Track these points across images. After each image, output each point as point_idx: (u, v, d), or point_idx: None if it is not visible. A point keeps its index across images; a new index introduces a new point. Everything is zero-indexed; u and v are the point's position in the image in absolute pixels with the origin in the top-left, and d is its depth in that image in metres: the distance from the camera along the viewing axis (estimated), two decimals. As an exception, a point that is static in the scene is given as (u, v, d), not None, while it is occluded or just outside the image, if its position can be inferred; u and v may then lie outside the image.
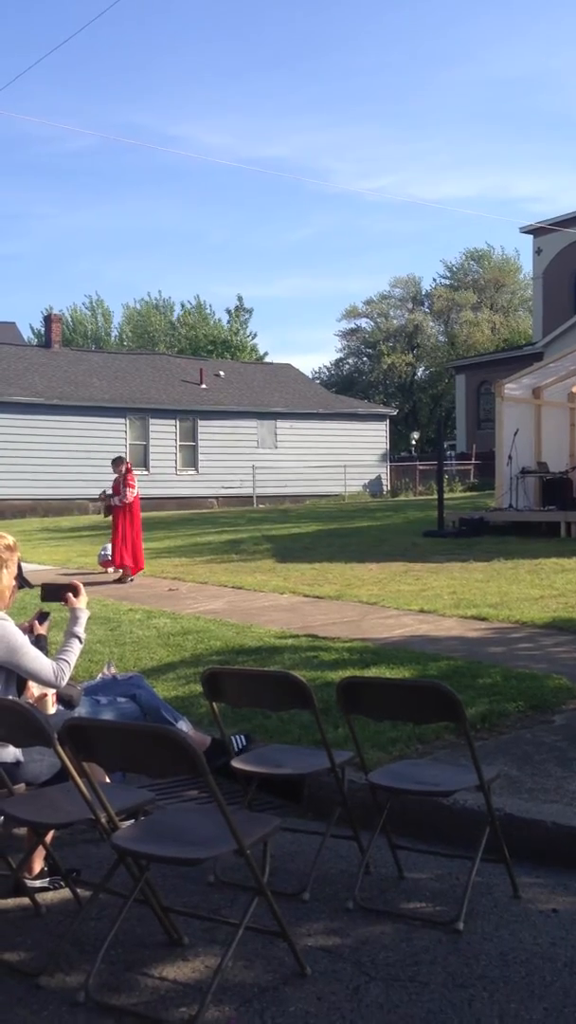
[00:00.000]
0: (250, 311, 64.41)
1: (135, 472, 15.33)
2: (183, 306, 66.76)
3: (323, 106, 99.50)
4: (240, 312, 63.87)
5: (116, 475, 14.42)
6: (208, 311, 65.59)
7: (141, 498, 14.73)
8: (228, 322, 64.02)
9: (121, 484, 14.18)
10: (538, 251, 41.30)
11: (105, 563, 14.48)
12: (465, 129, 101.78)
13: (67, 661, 4.09)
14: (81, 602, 4.36)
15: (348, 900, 3.69)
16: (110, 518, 14.50)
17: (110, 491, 14.45)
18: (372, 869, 4.01)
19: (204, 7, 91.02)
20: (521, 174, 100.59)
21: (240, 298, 70.42)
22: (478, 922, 3.53)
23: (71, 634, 4.23)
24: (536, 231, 40.93)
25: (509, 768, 4.77)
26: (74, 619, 4.29)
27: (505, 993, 3.05)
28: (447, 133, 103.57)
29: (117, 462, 14.76)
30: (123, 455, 16.19)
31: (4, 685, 3.97)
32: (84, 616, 4.34)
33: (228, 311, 64.67)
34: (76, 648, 4.19)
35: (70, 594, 4.35)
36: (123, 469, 14.34)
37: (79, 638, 4.24)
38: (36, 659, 3.99)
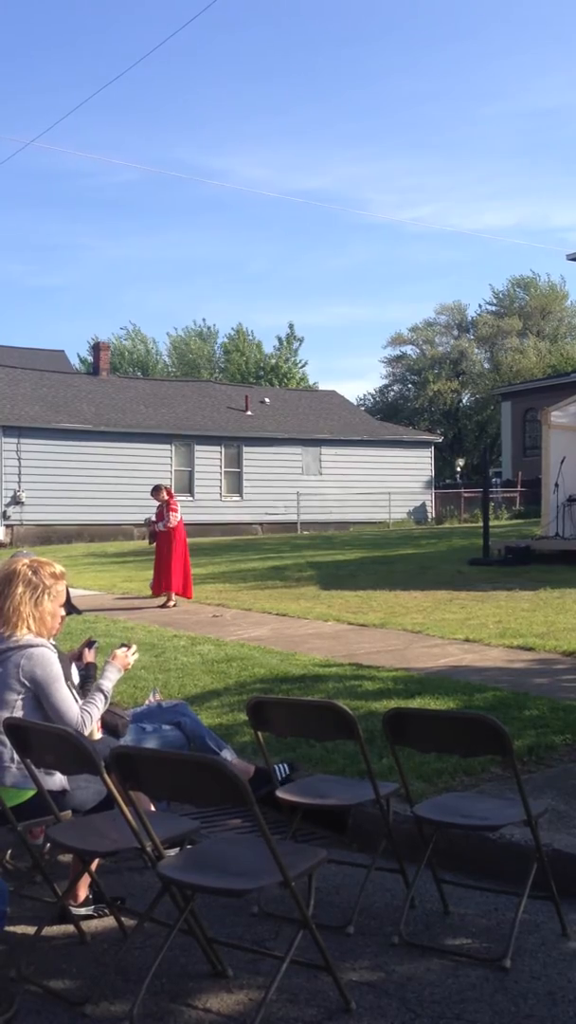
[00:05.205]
0: (301, 339, 64.51)
1: (179, 498, 15.27)
2: (228, 336, 67.15)
3: (363, 138, 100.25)
4: (292, 340, 63.99)
5: (158, 503, 14.44)
6: (251, 338, 65.82)
7: (185, 524, 14.71)
8: (277, 349, 64.13)
9: (164, 510, 14.21)
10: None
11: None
12: (504, 159, 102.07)
13: (90, 714, 4.07)
14: (131, 659, 4.41)
15: (393, 935, 3.65)
16: (154, 544, 14.53)
17: (153, 518, 14.47)
18: (417, 903, 3.97)
19: (245, 43, 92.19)
20: (560, 203, 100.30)
21: (292, 326, 70.45)
22: (525, 960, 3.48)
23: (98, 688, 4.20)
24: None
25: (557, 802, 4.70)
26: (106, 676, 4.28)
27: (553, 1034, 3.00)
28: (486, 164, 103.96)
29: (156, 490, 14.61)
30: (161, 483, 16.09)
31: (33, 708, 3.96)
32: (116, 676, 4.32)
33: (279, 338, 64.92)
34: (101, 703, 4.16)
35: (87, 649, 4.52)
36: (163, 496, 14.34)
37: (105, 694, 4.19)
38: (64, 700, 3.96)
